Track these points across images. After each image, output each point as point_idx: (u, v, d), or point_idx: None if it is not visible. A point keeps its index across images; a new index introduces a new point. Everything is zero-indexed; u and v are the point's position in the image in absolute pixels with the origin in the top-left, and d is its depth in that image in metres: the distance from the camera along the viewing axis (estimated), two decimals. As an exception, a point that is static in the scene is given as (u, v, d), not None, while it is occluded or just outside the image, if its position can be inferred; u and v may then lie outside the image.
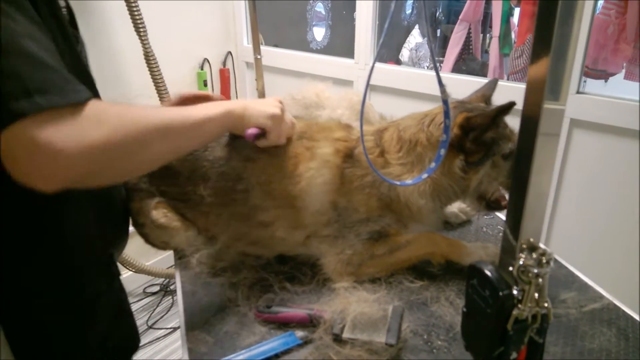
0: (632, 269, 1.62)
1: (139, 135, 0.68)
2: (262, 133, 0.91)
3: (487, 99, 1.01)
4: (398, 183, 0.88)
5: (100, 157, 0.63)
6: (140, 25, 2.04)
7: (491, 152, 0.92)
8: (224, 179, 0.97)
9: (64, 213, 0.83)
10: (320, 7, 3.37)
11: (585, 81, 1.92)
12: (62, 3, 0.84)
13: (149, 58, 2.13)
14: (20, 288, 0.82)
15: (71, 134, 0.60)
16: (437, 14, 3.49)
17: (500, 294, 0.51)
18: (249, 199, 0.96)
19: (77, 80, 0.64)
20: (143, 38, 2.07)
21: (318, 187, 0.94)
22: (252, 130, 0.89)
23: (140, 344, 2.26)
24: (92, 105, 0.63)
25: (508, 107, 0.84)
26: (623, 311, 0.86)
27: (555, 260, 1.01)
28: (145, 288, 2.63)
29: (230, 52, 2.80)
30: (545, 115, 0.47)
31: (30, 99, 0.57)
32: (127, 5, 1.99)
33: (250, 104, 0.90)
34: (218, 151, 0.98)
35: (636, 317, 0.85)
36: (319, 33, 3.38)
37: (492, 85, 1.04)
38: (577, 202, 1.75)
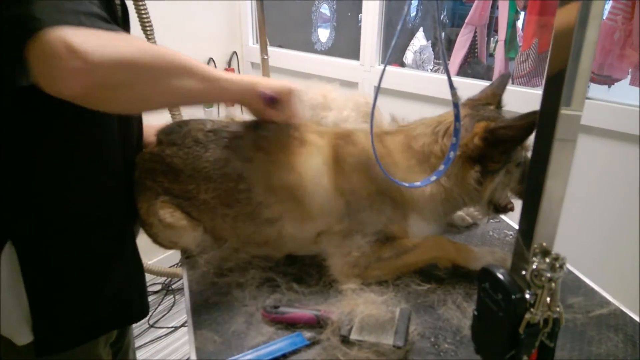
0: (638, 274, 1.62)
1: (163, 65, 0.75)
2: (275, 100, 0.95)
3: (498, 99, 0.99)
4: (407, 184, 0.88)
5: (125, 71, 0.69)
6: (147, 24, 2.04)
7: (508, 159, 0.90)
8: (226, 180, 0.97)
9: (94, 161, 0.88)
10: (325, 9, 3.37)
11: (589, 86, 1.92)
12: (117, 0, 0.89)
13: (155, 57, 2.14)
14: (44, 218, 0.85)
15: (102, 44, 0.66)
16: (442, 17, 3.49)
17: (513, 297, 0.51)
18: (253, 198, 0.96)
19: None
20: (150, 37, 2.07)
21: (312, 170, 0.94)
22: (267, 91, 0.92)
23: (142, 343, 2.27)
24: (125, 34, 0.71)
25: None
26: (630, 317, 0.86)
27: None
28: (147, 287, 2.63)
29: (235, 52, 2.81)
30: (561, 121, 0.47)
31: (76, 16, 0.65)
32: (134, 5, 1.99)
33: (270, 79, 0.95)
34: (218, 153, 0.98)
35: (643, 323, 0.85)
36: (323, 34, 3.38)
37: (504, 83, 1.01)
38: (582, 207, 1.75)
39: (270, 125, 1.01)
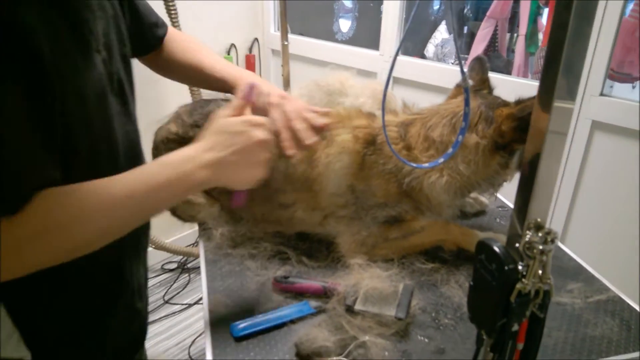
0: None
1: (86, 235, 0.64)
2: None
3: (487, 84, 1.01)
4: (414, 165, 0.91)
5: (44, 265, 0.63)
6: (172, 10, 2.10)
7: None
8: None
9: None
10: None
11: (612, 86, 1.91)
12: None
13: (179, 40, 2.19)
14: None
15: (7, 258, 0.57)
16: (465, 11, 3.48)
17: (506, 267, 0.54)
18: (271, 183, 0.99)
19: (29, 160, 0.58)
20: (174, 22, 2.13)
21: (336, 172, 0.98)
22: (240, 199, 0.82)
23: (157, 318, 2.34)
24: (36, 213, 0.58)
25: None
26: (628, 304, 0.88)
27: (565, 253, 1.04)
28: (164, 264, 2.71)
29: (256, 39, 2.84)
30: (555, 111, 0.50)
31: None
32: (160, -12, 2.04)
33: (224, 166, 0.71)
34: None
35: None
36: (344, 24, 3.40)
37: (484, 66, 1.03)
38: (594, 202, 1.76)
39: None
